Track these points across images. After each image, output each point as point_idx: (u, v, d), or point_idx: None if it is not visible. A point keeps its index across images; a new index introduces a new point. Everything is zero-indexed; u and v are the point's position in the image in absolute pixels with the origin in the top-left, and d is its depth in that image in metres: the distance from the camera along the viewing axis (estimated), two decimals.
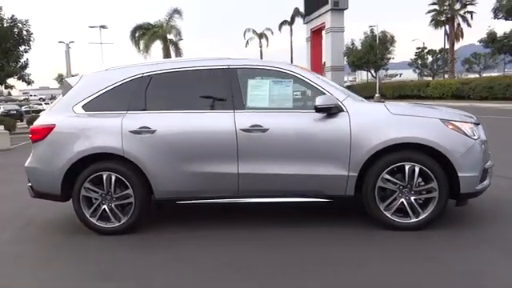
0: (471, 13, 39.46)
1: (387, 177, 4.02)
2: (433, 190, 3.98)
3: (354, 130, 4.00)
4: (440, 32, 41.89)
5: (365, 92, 40.88)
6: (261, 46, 59.87)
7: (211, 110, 4.29)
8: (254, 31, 59.46)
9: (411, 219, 4.03)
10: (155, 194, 4.26)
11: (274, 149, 4.10)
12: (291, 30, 56.98)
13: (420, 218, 4.02)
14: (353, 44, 45.43)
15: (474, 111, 5.75)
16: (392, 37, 43.83)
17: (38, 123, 4.47)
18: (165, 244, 4.03)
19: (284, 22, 56.95)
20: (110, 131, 4.24)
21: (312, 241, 3.93)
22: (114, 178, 4.22)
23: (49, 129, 4.33)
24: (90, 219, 4.30)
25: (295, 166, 4.09)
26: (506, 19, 26.19)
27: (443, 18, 39.48)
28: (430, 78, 44.21)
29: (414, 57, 48.29)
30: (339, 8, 42.34)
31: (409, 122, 4.04)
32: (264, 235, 4.11)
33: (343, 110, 4.07)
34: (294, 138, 4.10)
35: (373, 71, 43.40)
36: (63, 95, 4.53)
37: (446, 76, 41.82)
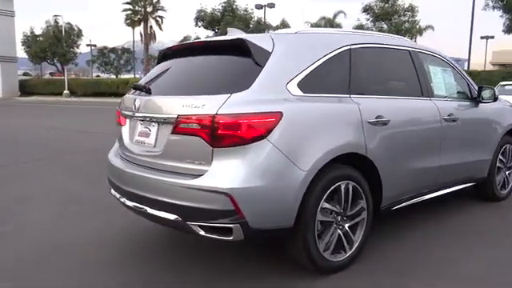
0: (162, 17, 42.60)
1: (501, 157, 4.71)
2: None
3: (494, 116, 4.50)
4: (135, 31, 42.76)
5: (50, 88, 36.77)
6: None
7: (418, 96, 3.72)
8: None
9: (505, 190, 4.89)
10: (384, 200, 3.31)
11: (461, 138, 4.08)
12: None
13: (508, 189, 4.93)
14: (32, 33, 40.01)
15: None
16: (80, 30, 41.47)
17: (243, 111, 2.54)
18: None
19: None
20: (348, 122, 3.01)
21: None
22: (351, 189, 3.01)
23: (275, 120, 2.60)
24: (324, 255, 2.89)
25: (471, 154, 4.20)
26: (207, 28, 30.12)
27: (136, 19, 40.79)
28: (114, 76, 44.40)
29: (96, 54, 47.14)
30: None
31: (510, 111, 4.88)
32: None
33: None
34: (472, 128, 4.23)
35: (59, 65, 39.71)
36: (261, 64, 2.74)
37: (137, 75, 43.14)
